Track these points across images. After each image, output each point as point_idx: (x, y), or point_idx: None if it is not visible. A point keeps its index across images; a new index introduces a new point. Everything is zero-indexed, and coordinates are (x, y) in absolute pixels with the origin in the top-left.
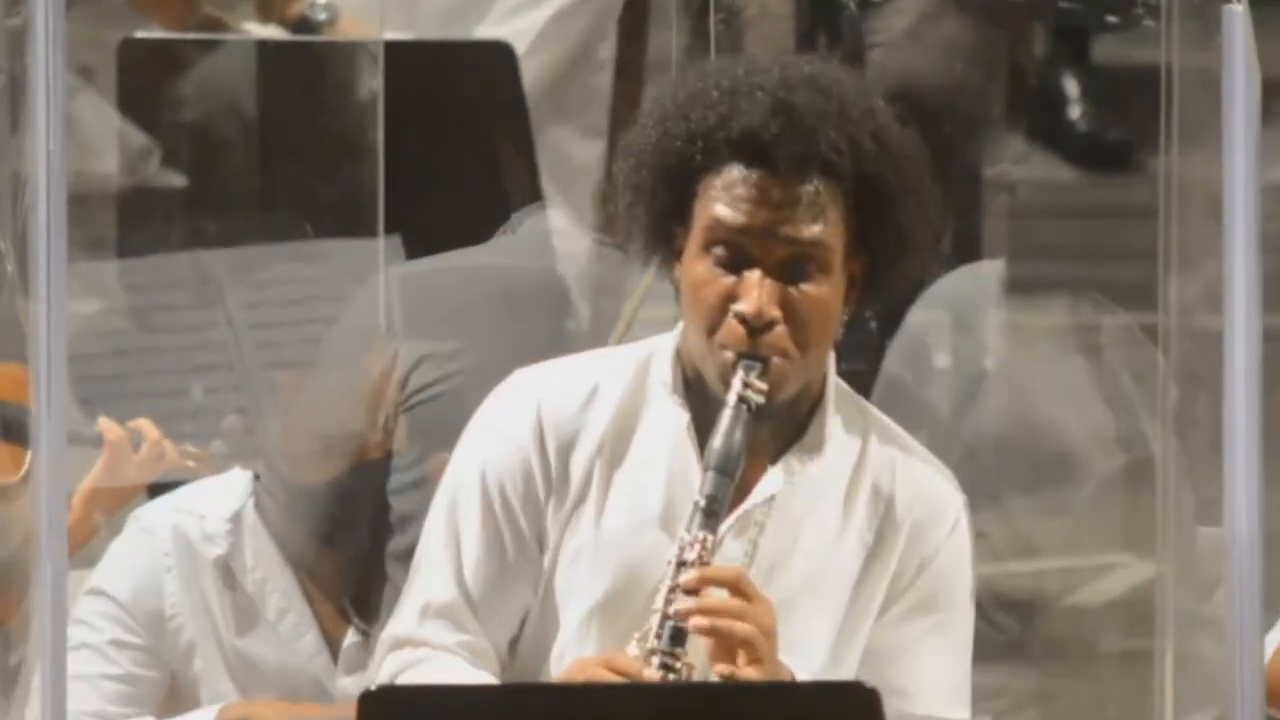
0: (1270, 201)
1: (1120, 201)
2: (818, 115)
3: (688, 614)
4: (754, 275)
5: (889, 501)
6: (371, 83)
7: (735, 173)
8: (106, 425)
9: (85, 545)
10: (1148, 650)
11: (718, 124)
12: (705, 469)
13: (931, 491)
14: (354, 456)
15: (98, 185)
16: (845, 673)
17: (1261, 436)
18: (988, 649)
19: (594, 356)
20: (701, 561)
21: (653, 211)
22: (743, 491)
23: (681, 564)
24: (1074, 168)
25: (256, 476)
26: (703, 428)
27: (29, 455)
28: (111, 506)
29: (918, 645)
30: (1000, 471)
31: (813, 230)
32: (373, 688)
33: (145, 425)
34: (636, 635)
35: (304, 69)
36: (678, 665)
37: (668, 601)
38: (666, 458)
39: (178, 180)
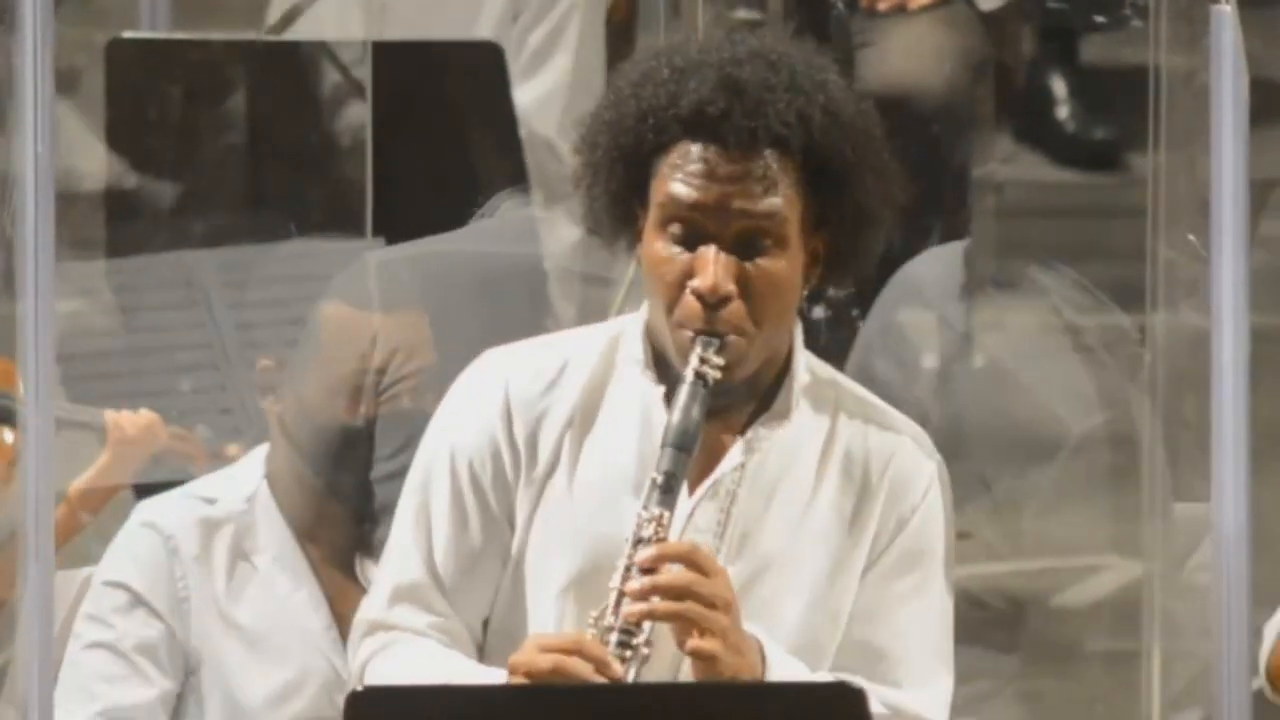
0: (1257, 200)
1: (1108, 201)
2: (765, 89)
3: (642, 593)
4: (709, 251)
5: (864, 467)
6: (359, 83)
7: (687, 149)
8: (114, 423)
9: (68, 542)
10: (1134, 651)
11: (668, 102)
12: (662, 445)
13: (906, 454)
14: (359, 401)
15: (85, 186)
16: (815, 640)
17: (1248, 434)
18: (976, 648)
19: (563, 336)
20: (658, 539)
21: (611, 192)
22: (714, 462)
23: (639, 541)
24: (1062, 168)
25: (282, 428)
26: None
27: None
28: (97, 505)
29: (897, 607)
30: (986, 469)
31: (766, 204)
32: (359, 688)
33: (136, 419)
34: (594, 614)
35: (291, 69)
36: (634, 642)
37: (624, 580)
38: (639, 429)
39: (164, 181)
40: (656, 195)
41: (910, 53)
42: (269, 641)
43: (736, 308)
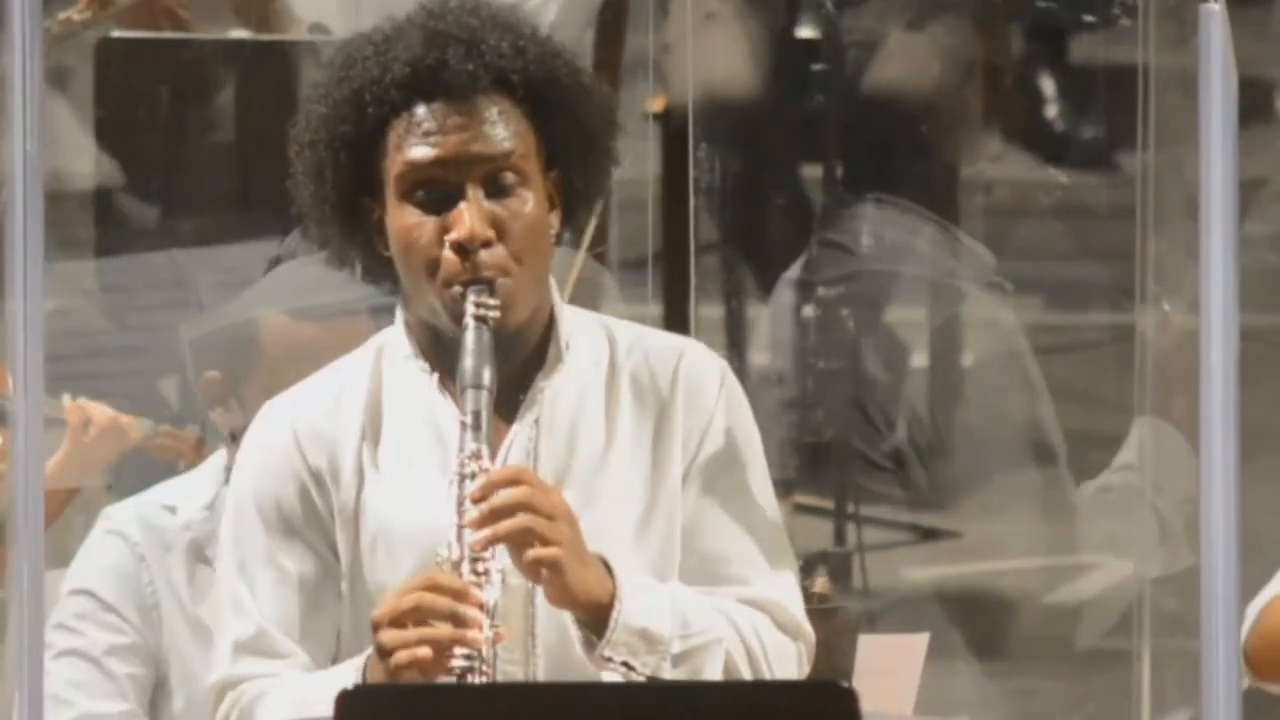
0: (1247, 200)
1: (1097, 200)
2: (471, 32)
3: (481, 521)
4: (461, 204)
5: (653, 382)
6: None
7: (412, 113)
8: (71, 408)
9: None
10: (1125, 650)
11: (380, 72)
12: (461, 389)
13: (691, 362)
14: None
15: (75, 185)
16: (653, 566)
17: (1238, 434)
18: (968, 646)
19: (333, 364)
20: (482, 471)
21: (340, 189)
22: (506, 426)
23: (464, 479)
24: (1051, 167)
25: (233, 437)
26: (451, 383)
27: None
28: (55, 510)
29: (723, 508)
30: (977, 469)
31: (503, 144)
32: (350, 687)
33: (94, 408)
34: (439, 556)
35: (280, 68)
36: (484, 568)
37: (459, 514)
38: (424, 418)
39: (154, 180)
40: (393, 168)
41: (900, 52)
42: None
43: (497, 251)
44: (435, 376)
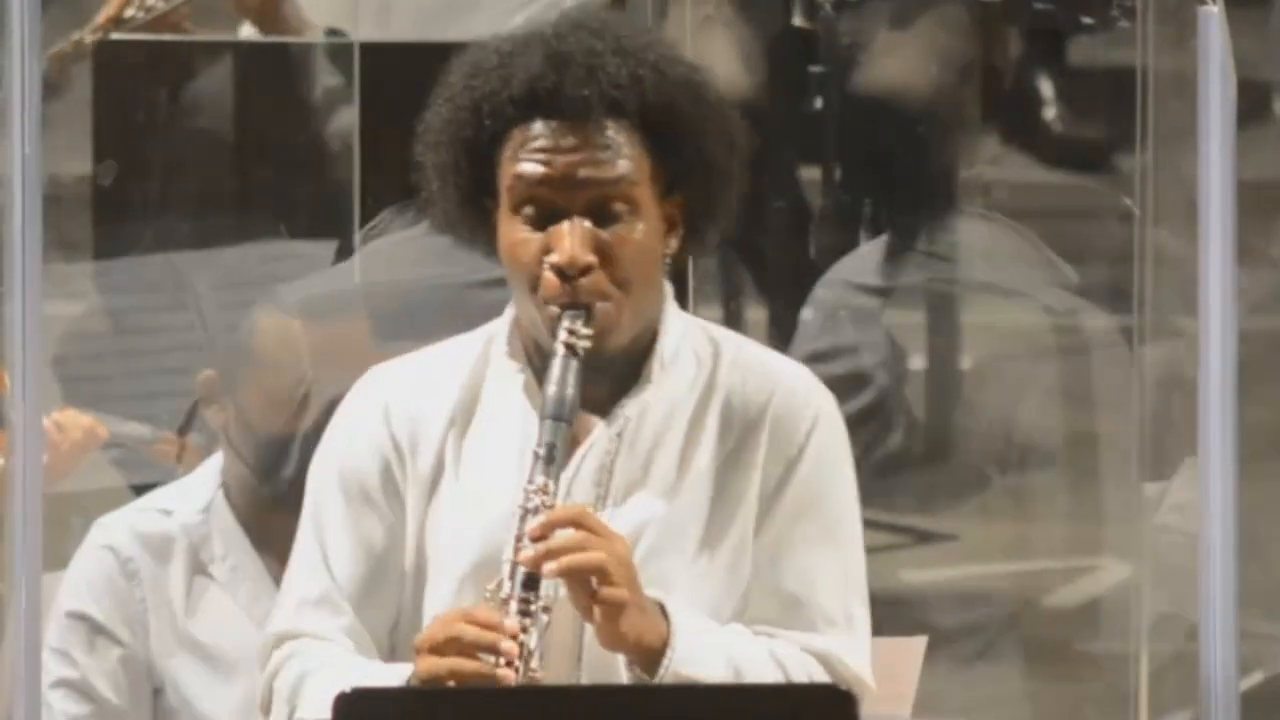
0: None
1: (1096, 203)
2: (592, 55)
3: (535, 561)
4: (563, 225)
5: (744, 410)
6: (347, 85)
7: (527, 129)
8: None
9: None
10: (1123, 652)
11: (499, 86)
12: (541, 418)
13: (788, 390)
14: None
15: (73, 188)
16: (712, 597)
17: (1236, 436)
18: (967, 649)
19: (444, 343)
20: (545, 507)
21: (461, 189)
22: (583, 440)
23: (527, 512)
24: (1049, 169)
25: (227, 440)
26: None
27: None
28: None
29: (802, 551)
30: (976, 471)
31: (612, 170)
32: (347, 689)
33: (65, 415)
34: (490, 587)
35: (280, 71)
36: (533, 609)
37: (516, 550)
38: (518, 420)
39: (152, 182)
40: (505, 181)
41: (898, 54)
42: (229, 654)
43: (598, 277)
44: (524, 379)
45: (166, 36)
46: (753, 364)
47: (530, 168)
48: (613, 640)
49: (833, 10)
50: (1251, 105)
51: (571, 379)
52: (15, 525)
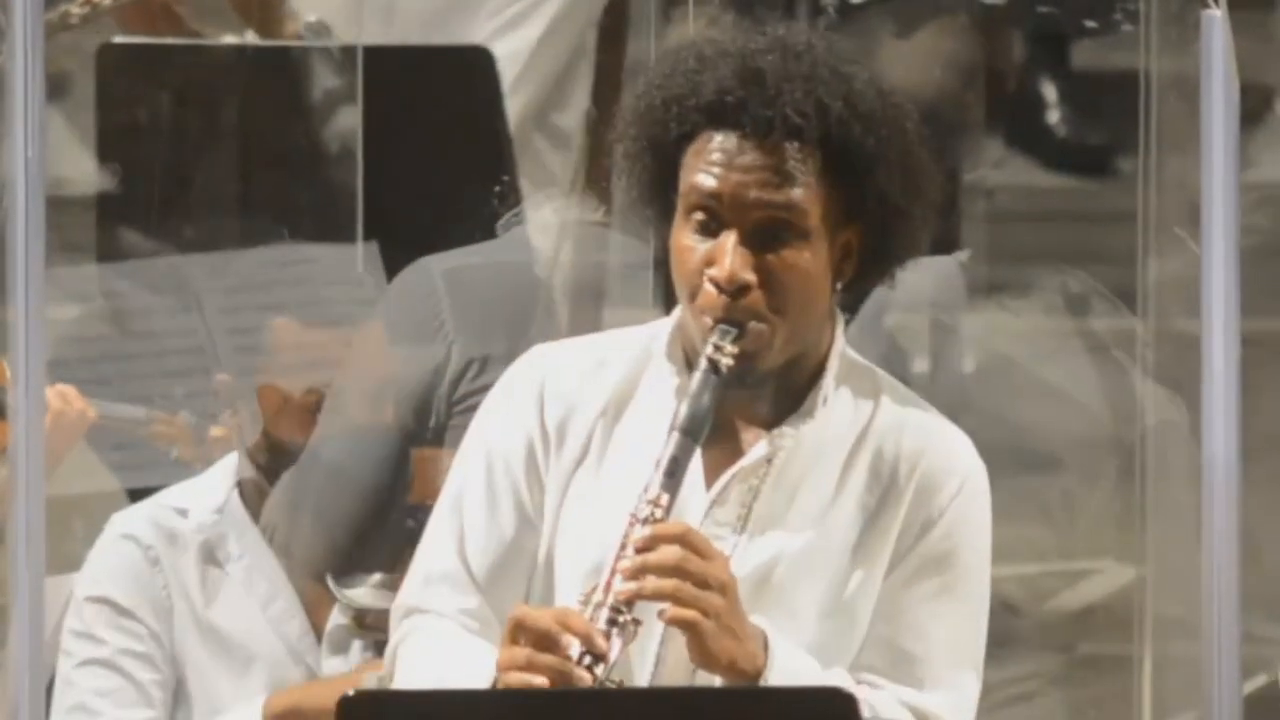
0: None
1: (1099, 206)
2: (784, 78)
3: (634, 571)
4: (727, 240)
5: (893, 465)
6: (350, 88)
7: (709, 139)
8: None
9: None
10: (1127, 655)
11: (690, 91)
12: (670, 430)
13: (939, 453)
14: (342, 421)
15: (76, 190)
16: (832, 638)
17: (1239, 438)
18: None
19: (609, 333)
20: (655, 520)
21: (644, 182)
22: (737, 456)
23: (636, 521)
24: (1052, 172)
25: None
26: None
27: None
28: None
29: (920, 608)
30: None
31: (784, 194)
32: (351, 693)
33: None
34: (586, 590)
35: (282, 74)
36: (622, 619)
37: (618, 558)
38: (660, 421)
39: (155, 185)
40: (683, 185)
41: (901, 58)
42: (245, 648)
43: (755, 297)
44: (677, 382)
45: (169, 40)
46: (910, 418)
47: (704, 179)
48: (702, 659)
49: (836, 14)
50: (1254, 108)
51: (709, 395)
52: (18, 527)
